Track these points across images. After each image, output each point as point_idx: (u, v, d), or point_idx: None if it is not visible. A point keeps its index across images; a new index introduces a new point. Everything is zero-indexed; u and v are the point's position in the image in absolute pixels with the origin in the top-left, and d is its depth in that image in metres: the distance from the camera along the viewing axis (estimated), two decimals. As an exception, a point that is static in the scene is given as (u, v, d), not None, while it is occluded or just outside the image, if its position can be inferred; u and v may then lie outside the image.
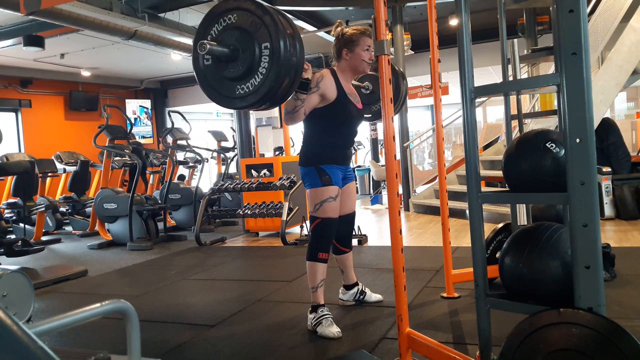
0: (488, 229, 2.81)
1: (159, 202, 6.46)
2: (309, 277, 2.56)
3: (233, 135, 8.07)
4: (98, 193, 6.11)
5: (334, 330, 2.43)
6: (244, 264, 4.46)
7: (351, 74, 2.62)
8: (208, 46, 1.89)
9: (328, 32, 7.49)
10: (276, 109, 6.17)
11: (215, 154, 8.59)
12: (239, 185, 5.61)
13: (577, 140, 1.35)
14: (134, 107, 11.90)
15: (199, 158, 7.43)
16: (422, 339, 1.95)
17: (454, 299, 2.90)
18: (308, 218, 2.82)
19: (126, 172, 7.93)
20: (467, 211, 2.64)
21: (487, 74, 11.12)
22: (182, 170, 9.02)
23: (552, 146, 1.58)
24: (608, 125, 5.93)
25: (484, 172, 6.31)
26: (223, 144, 8.55)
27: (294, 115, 2.38)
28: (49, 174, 7.15)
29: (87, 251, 5.59)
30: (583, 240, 1.36)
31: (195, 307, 3.11)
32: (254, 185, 5.51)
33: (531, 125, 5.57)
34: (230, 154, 8.17)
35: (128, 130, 6.63)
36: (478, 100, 3.61)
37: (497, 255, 2.73)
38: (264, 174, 5.85)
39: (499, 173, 5.96)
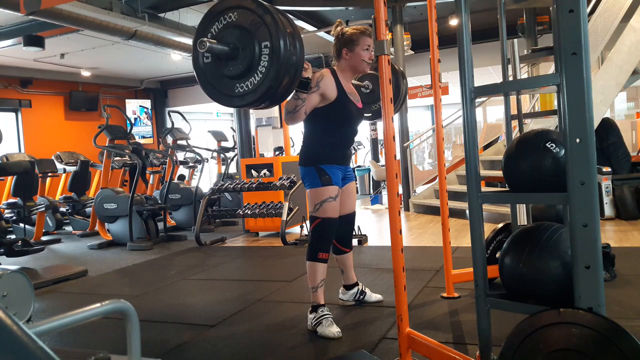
0: (488, 229, 2.81)
1: (159, 202, 6.46)
2: (309, 277, 2.56)
3: (233, 135, 8.07)
4: (98, 193, 6.11)
5: (334, 330, 2.43)
6: (244, 264, 4.46)
7: (351, 74, 2.63)
8: (208, 44, 1.88)
9: (328, 32, 7.49)
10: (276, 109, 6.17)
11: (215, 154, 8.59)
12: (239, 185, 5.61)
13: (577, 140, 1.35)
14: (134, 107, 11.90)
15: (199, 158, 7.43)
16: (422, 339, 1.95)
17: (454, 299, 2.90)
18: (308, 218, 2.81)
19: (126, 172, 7.93)
20: (467, 211, 2.64)
21: (487, 74, 11.12)
22: (182, 170, 9.02)
23: (552, 146, 1.57)
24: (608, 125, 5.93)
25: (484, 172, 6.31)
26: (223, 144, 8.55)
27: (294, 115, 2.38)
28: (49, 174, 7.15)
29: (87, 251, 5.59)
30: (583, 240, 1.36)
31: (195, 307, 3.11)
32: (254, 185, 5.51)
33: (531, 125, 5.57)
34: (230, 154, 8.17)
35: (128, 130, 6.63)
36: (478, 100, 3.61)
37: (497, 255, 2.73)
38: (264, 174, 5.85)
39: (499, 173, 5.96)
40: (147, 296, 3.48)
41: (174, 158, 7.23)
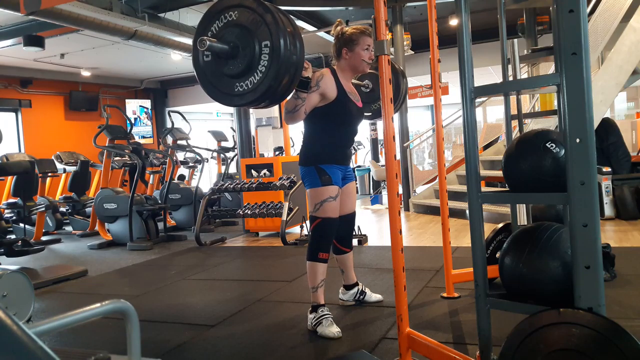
0: (488, 229, 2.81)
1: (159, 202, 6.46)
2: (309, 277, 2.56)
3: (233, 135, 8.07)
4: (98, 193, 6.11)
5: (334, 330, 2.43)
6: (244, 264, 4.46)
7: (351, 73, 2.63)
8: (208, 43, 1.88)
9: (328, 32, 7.50)
10: (276, 109, 6.17)
11: (215, 154, 8.59)
12: (239, 185, 5.61)
13: (577, 140, 1.35)
14: (134, 107, 11.90)
15: (199, 158, 7.43)
16: (422, 339, 1.95)
17: (454, 299, 2.90)
18: (308, 218, 2.82)
19: (126, 172, 7.93)
20: (467, 211, 2.64)
21: (487, 74, 11.12)
22: (182, 170, 9.02)
23: (552, 146, 1.57)
24: (608, 125, 5.93)
25: (484, 172, 6.31)
26: (223, 144, 8.55)
27: (294, 115, 2.38)
28: (49, 174, 7.15)
29: (87, 251, 5.59)
30: (583, 240, 1.36)
31: (195, 307, 3.11)
32: (254, 185, 5.51)
33: (531, 125, 5.57)
34: (230, 154, 8.17)
35: (128, 130, 6.63)
36: (478, 100, 3.61)
37: (497, 255, 2.73)
38: (264, 174, 5.85)
39: (499, 173, 5.96)
40: (147, 296, 3.48)
41: (174, 158, 7.23)
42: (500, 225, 3.07)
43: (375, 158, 11.98)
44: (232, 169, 8.18)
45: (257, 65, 1.92)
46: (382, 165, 9.24)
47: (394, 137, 1.98)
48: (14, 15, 5.70)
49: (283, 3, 6.45)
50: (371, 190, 10.11)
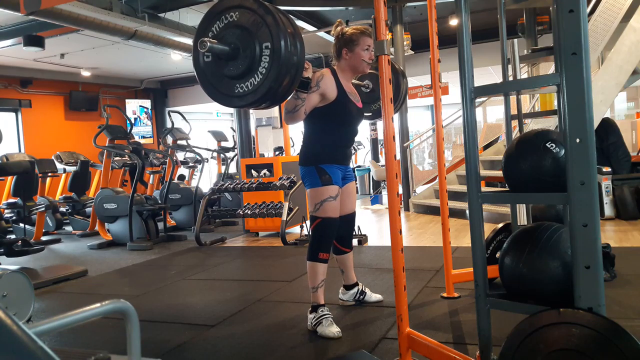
0: (488, 229, 2.81)
1: (159, 202, 6.46)
2: (310, 277, 2.56)
3: (233, 135, 8.07)
4: (98, 193, 6.11)
5: (334, 330, 2.43)
6: (244, 264, 4.46)
7: (351, 74, 2.62)
8: (208, 44, 1.88)
9: (328, 32, 7.50)
10: (276, 109, 6.18)
11: (215, 154, 8.59)
12: (239, 185, 5.61)
13: (577, 140, 1.35)
14: (134, 107, 11.90)
15: (199, 158, 7.43)
16: (422, 339, 1.95)
17: (454, 299, 2.90)
18: (308, 218, 2.81)
19: (126, 172, 7.93)
20: (467, 211, 2.64)
21: (487, 74, 11.12)
22: (182, 170, 9.02)
23: (552, 146, 1.58)
24: (608, 125, 5.93)
25: (484, 172, 6.31)
26: (223, 144, 8.55)
27: (294, 115, 2.38)
28: (49, 174, 7.15)
29: (87, 251, 5.59)
30: (583, 240, 1.36)
31: (195, 307, 3.11)
32: (254, 185, 5.51)
33: (531, 125, 5.57)
34: (230, 154, 8.17)
35: (128, 130, 6.63)
36: (478, 100, 3.61)
37: (497, 255, 2.72)
38: (264, 174, 5.85)
39: (499, 173, 5.96)
40: (147, 296, 3.48)
41: (174, 158, 7.23)
42: (500, 225, 3.07)
43: (375, 158, 11.98)
44: (232, 169, 8.18)
45: (258, 66, 1.92)
46: (382, 165, 9.24)
47: (394, 137, 1.98)
48: (14, 15, 5.70)
49: (283, 3, 6.45)
50: (371, 190, 10.11)
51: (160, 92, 12.42)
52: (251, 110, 6.46)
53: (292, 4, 6.72)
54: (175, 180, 7.44)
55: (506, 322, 1.88)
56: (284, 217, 5.24)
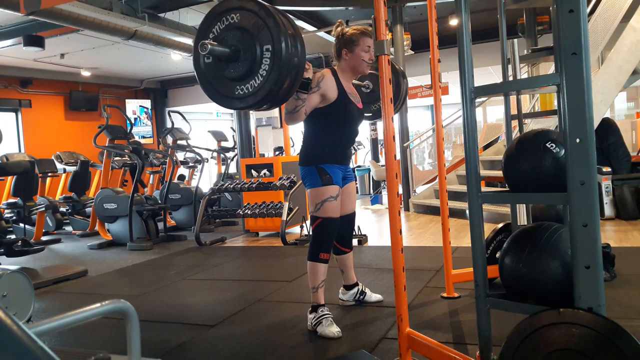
0: (488, 229, 2.81)
1: (159, 202, 6.46)
2: (310, 277, 2.56)
3: (233, 135, 8.07)
4: (98, 193, 6.11)
5: (334, 330, 2.43)
6: (244, 264, 4.46)
7: (351, 74, 2.62)
8: (209, 47, 1.88)
9: (328, 32, 7.50)
10: (276, 109, 6.18)
11: (215, 154, 8.59)
12: (239, 185, 5.61)
13: (577, 140, 1.35)
14: (134, 107, 11.90)
15: (199, 158, 7.43)
16: (422, 339, 1.95)
17: (454, 299, 2.90)
18: (308, 218, 2.82)
19: (126, 172, 7.93)
20: (467, 211, 2.64)
21: (487, 74, 11.12)
22: (182, 170, 9.02)
23: (552, 146, 1.58)
24: (608, 125, 5.93)
25: (484, 172, 6.31)
26: (223, 144, 8.55)
27: (294, 115, 2.37)
28: (49, 174, 7.15)
29: (87, 251, 5.59)
30: (583, 240, 1.36)
31: (195, 307, 3.11)
32: (254, 185, 5.52)
33: (531, 125, 5.57)
34: (230, 154, 8.17)
35: (128, 130, 6.63)
36: (478, 100, 3.61)
37: (497, 255, 2.73)
38: (264, 174, 5.85)
39: (499, 173, 5.96)
40: (147, 296, 3.48)
41: (174, 158, 7.23)
42: (500, 225, 3.07)
43: (375, 158, 11.98)
44: (232, 169, 8.18)
45: (258, 68, 1.92)
46: (382, 165, 9.24)
47: (394, 137, 1.98)
48: (14, 15, 5.70)
49: (283, 3, 6.45)
50: (371, 190, 10.11)
51: (160, 92, 12.43)
52: (251, 111, 6.46)
53: (292, 4, 6.72)
54: (175, 180, 7.44)
55: (506, 322, 1.88)
56: (284, 217, 5.24)
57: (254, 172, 5.94)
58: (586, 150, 1.34)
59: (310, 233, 2.62)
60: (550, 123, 5.39)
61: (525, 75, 6.31)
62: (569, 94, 1.36)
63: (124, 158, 7.21)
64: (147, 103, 12.22)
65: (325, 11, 7.41)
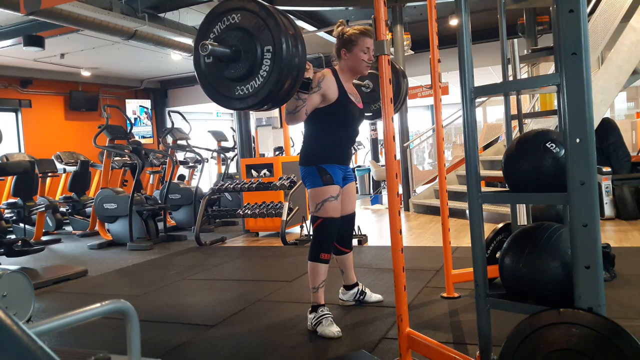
0: (488, 229, 2.81)
1: (159, 202, 6.46)
2: (310, 277, 2.56)
3: (233, 135, 8.07)
4: (98, 193, 6.12)
5: (334, 329, 2.43)
6: (244, 264, 4.46)
7: (350, 74, 2.60)
8: (210, 47, 1.88)
9: (328, 32, 7.51)
10: (276, 109, 6.17)
11: (215, 154, 8.59)
12: (239, 185, 5.61)
13: (577, 140, 1.35)
14: (134, 107, 11.90)
15: (199, 158, 7.43)
16: (422, 339, 1.95)
17: (454, 299, 2.90)
18: (308, 218, 2.81)
19: (126, 172, 7.93)
20: (467, 211, 2.64)
21: (487, 74, 11.12)
22: (182, 170, 9.02)
23: (552, 146, 1.57)
24: (608, 125, 5.93)
25: (484, 172, 6.31)
26: (223, 144, 8.55)
27: (295, 115, 2.37)
28: (49, 174, 7.15)
29: (87, 251, 5.59)
30: (583, 240, 1.36)
31: (195, 307, 3.11)
32: (254, 185, 5.52)
33: (531, 125, 5.57)
34: (230, 154, 8.17)
35: (128, 130, 6.63)
36: (478, 100, 3.61)
37: (497, 255, 2.73)
38: (264, 174, 5.85)
39: (499, 173, 5.96)
40: (147, 296, 3.48)
41: (174, 158, 7.23)
42: (500, 225, 3.07)
43: (375, 158, 11.98)
44: (232, 169, 8.18)
45: (259, 70, 1.92)
46: (382, 165, 9.24)
47: (394, 137, 1.98)
48: (14, 15, 5.70)
49: (283, 3, 6.45)
50: (371, 190, 10.11)
51: (160, 92, 12.43)
52: (251, 111, 6.46)
53: (292, 4, 6.72)
54: (175, 180, 7.44)
55: (506, 322, 1.88)
56: (284, 217, 5.24)
57: (254, 172, 5.94)
58: (586, 150, 1.34)
59: (311, 233, 2.61)
60: (550, 123, 5.39)
61: (525, 75, 6.31)
62: (569, 94, 1.36)
63: (124, 158, 7.21)
64: (147, 103, 12.22)
65: (325, 11, 7.41)
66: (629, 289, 2.88)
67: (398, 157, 7.12)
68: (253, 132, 6.66)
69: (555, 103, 2.27)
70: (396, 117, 6.97)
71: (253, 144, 6.70)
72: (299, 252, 4.71)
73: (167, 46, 7.47)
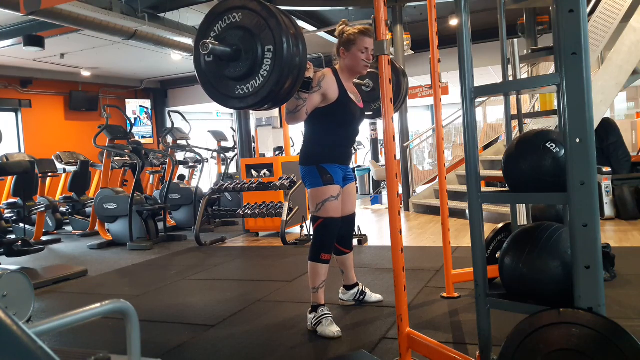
0: (488, 229, 2.81)
1: (159, 202, 6.46)
2: (311, 277, 2.56)
3: (233, 135, 8.08)
4: (98, 193, 6.11)
5: (334, 329, 2.43)
6: (244, 264, 4.46)
7: (349, 74, 2.59)
8: (210, 46, 1.87)
9: (328, 32, 7.51)
10: (276, 109, 6.18)
11: (215, 154, 8.59)
12: (239, 185, 5.61)
13: (577, 140, 1.35)
14: (134, 107, 11.90)
15: (199, 158, 7.43)
16: (422, 339, 1.95)
17: (454, 299, 2.90)
18: (308, 218, 2.81)
19: (126, 172, 7.93)
20: (467, 211, 2.64)
21: (487, 74, 11.12)
22: (182, 170, 9.02)
23: (552, 146, 1.57)
24: (608, 125, 5.93)
25: (484, 172, 6.31)
26: (223, 144, 8.55)
27: (295, 115, 2.37)
28: (49, 174, 7.15)
29: (87, 251, 5.59)
30: (583, 240, 1.36)
31: (195, 307, 3.11)
32: (254, 185, 5.51)
33: (531, 125, 5.57)
34: (230, 154, 8.17)
35: (128, 130, 6.63)
36: (478, 100, 3.61)
37: (497, 255, 2.72)
38: (264, 174, 5.85)
39: (499, 173, 5.96)
40: (147, 296, 3.48)
41: (174, 158, 7.23)
42: (500, 225, 3.07)
43: (375, 158, 11.98)
44: (232, 169, 8.18)
45: (259, 69, 1.92)
46: (382, 165, 9.24)
47: (394, 137, 1.98)
48: (14, 15, 5.70)
49: (283, 3, 6.45)
50: (371, 190, 10.11)
51: (160, 92, 12.43)
52: (251, 110, 6.46)
53: (293, 4, 6.72)
54: (175, 180, 7.44)
55: (506, 322, 1.88)
56: (284, 217, 5.24)
57: (254, 172, 5.94)
58: (586, 150, 1.34)
59: (311, 233, 2.61)
60: (550, 123, 5.39)
61: (525, 75, 6.30)
62: (569, 94, 1.36)
63: (124, 158, 7.21)
64: (147, 103, 12.22)
65: (325, 11, 7.41)
66: (629, 289, 2.88)
67: (398, 157, 7.12)
68: (253, 132, 6.66)
69: (555, 103, 2.27)
70: (396, 117, 6.97)
71: (253, 144, 6.70)
72: (299, 252, 4.71)
73: (167, 46, 7.47)
